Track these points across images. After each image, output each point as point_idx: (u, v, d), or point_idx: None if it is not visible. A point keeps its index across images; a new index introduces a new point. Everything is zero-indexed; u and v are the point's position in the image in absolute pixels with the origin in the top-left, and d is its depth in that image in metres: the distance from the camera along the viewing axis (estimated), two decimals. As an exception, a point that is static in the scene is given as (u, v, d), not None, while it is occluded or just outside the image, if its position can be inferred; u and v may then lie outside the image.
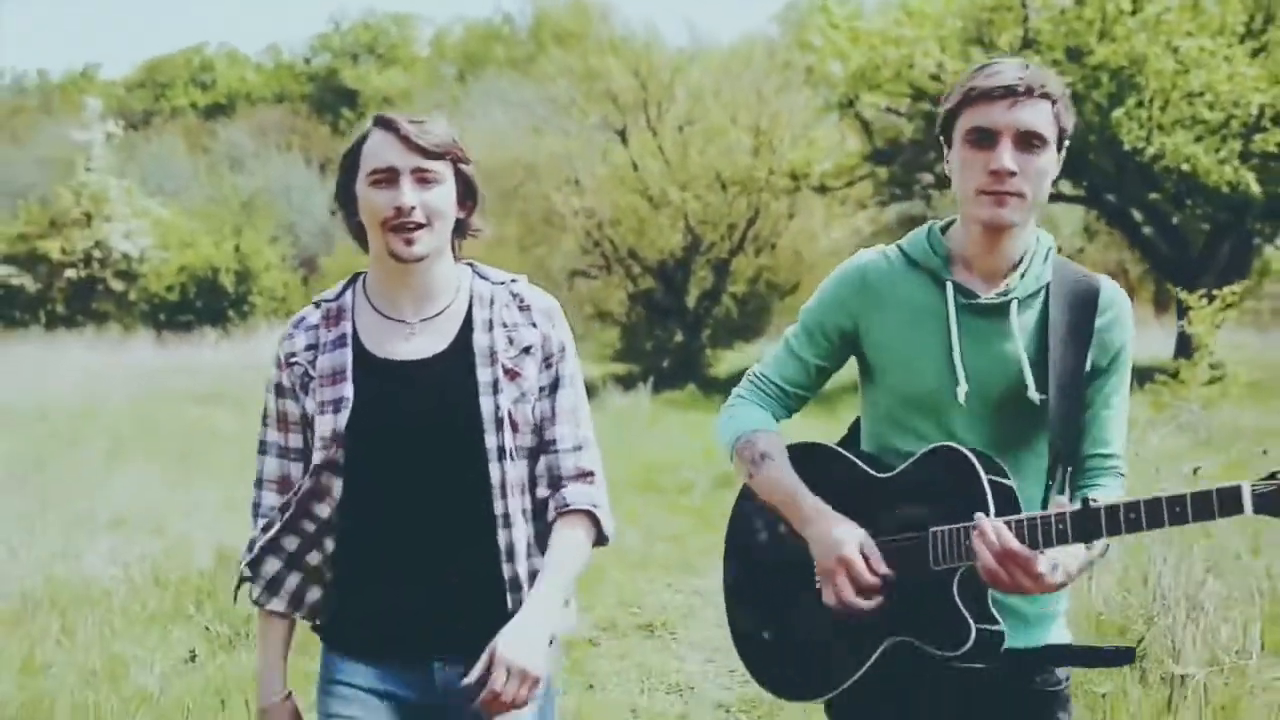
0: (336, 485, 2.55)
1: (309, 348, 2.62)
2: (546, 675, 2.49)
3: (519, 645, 2.40)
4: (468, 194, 2.59)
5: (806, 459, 2.65)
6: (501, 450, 2.53)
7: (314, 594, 2.62)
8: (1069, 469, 2.50)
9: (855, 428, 2.80)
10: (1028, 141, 2.39)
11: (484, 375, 2.55)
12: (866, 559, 2.47)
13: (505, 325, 2.60)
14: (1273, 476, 2.13)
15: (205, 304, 33.50)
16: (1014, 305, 2.50)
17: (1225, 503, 2.12)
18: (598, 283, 21.97)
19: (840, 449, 2.69)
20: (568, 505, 2.57)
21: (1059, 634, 2.61)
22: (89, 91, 61.02)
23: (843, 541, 2.48)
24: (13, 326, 31.26)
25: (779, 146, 20.63)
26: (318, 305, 2.66)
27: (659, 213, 20.43)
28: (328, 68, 63.96)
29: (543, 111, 22.59)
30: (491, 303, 2.61)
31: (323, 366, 2.58)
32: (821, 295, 2.71)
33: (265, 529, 2.60)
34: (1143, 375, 13.04)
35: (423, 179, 2.49)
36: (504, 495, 2.53)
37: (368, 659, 2.58)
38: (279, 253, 35.98)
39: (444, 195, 2.52)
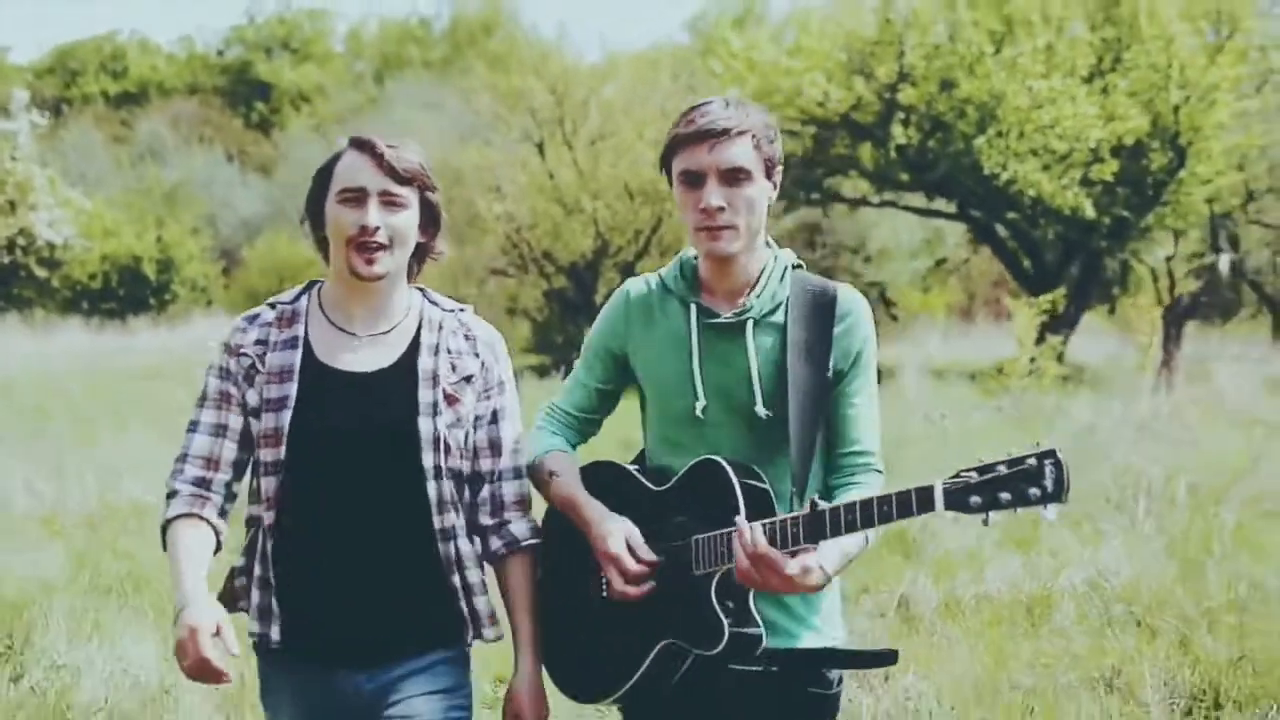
0: (271, 485, 2.65)
1: (259, 342, 2.70)
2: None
3: (533, 700, 2.74)
4: (430, 220, 2.71)
5: (597, 475, 2.82)
6: (438, 469, 2.64)
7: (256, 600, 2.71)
8: (807, 472, 2.65)
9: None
10: (733, 177, 2.61)
11: (425, 396, 2.66)
12: (633, 550, 2.65)
13: (450, 351, 2.71)
14: (957, 476, 2.32)
15: (128, 292, 34.52)
16: (749, 324, 2.70)
17: (921, 501, 2.33)
18: (515, 281, 23.81)
19: (627, 466, 2.86)
20: (518, 542, 2.76)
21: (830, 633, 2.76)
22: (-1, 76, 61.02)
23: (610, 534, 2.66)
24: None
25: None
26: (272, 306, 2.76)
27: (572, 218, 22.29)
28: (241, 60, 63.36)
29: (467, 123, 24.61)
30: (440, 328, 2.72)
31: (271, 363, 2.68)
32: (597, 323, 2.92)
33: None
34: (983, 370, 15.53)
35: (390, 202, 2.61)
36: (441, 512, 2.65)
37: (303, 664, 2.68)
38: (200, 244, 37.09)
39: (408, 220, 2.64)
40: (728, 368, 2.71)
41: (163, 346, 24.62)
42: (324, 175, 2.67)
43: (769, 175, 2.68)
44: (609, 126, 22.47)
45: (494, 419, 2.76)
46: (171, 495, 2.65)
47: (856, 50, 20.79)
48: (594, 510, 2.73)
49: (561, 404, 2.94)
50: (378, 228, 2.58)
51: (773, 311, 2.72)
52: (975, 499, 2.28)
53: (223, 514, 2.69)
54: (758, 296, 2.71)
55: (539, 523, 2.82)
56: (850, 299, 2.74)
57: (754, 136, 2.63)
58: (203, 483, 2.66)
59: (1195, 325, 30.41)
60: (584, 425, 2.95)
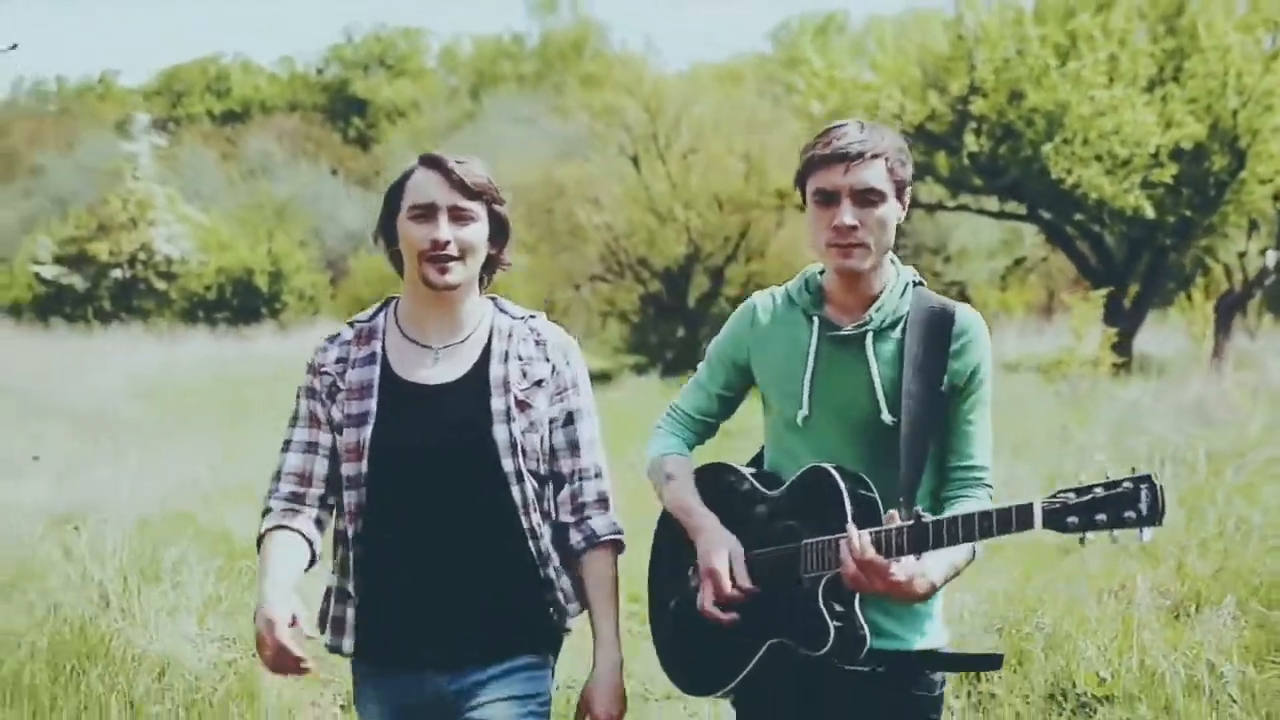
0: (353, 498, 2.73)
1: (339, 360, 2.80)
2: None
3: (605, 695, 2.76)
4: (499, 232, 2.80)
5: (713, 477, 2.95)
6: (519, 473, 2.71)
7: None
8: (916, 483, 2.72)
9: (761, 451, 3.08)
10: (866, 198, 2.70)
11: (497, 404, 2.73)
12: (732, 572, 2.75)
13: (520, 358, 2.78)
14: (1054, 496, 2.41)
15: (241, 303, 36.55)
16: (869, 336, 2.78)
17: (1021, 519, 2.42)
18: (612, 286, 25.64)
19: (742, 469, 2.96)
20: (598, 536, 2.81)
21: (935, 638, 2.84)
22: (107, 98, 63.77)
23: (713, 553, 2.78)
24: (71, 322, 34.07)
25: (767, 170, 24.18)
26: (352, 325, 2.85)
27: (665, 227, 24.03)
28: (339, 78, 65.62)
29: (560, 137, 26.39)
30: (510, 336, 2.79)
31: (351, 380, 2.76)
32: (722, 332, 3.02)
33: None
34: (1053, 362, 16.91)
35: (459, 216, 2.70)
36: (528, 511, 2.73)
37: (394, 670, 2.76)
38: (308, 256, 39.19)
39: (478, 232, 2.73)
40: (847, 378, 2.80)
41: (279, 354, 26.14)
42: (395, 193, 2.78)
43: (899, 196, 2.79)
44: (699, 141, 24.21)
45: (569, 420, 2.83)
46: (266, 513, 2.77)
47: (930, 65, 22.16)
48: (705, 520, 2.86)
49: (682, 405, 3.08)
50: (449, 241, 2.68)
51: (892, 326, 2.82)
52: (1073, 519, 2.38)
53: (319, 524, 2.79)
54: (878, 310, 2.82)
55: (617, 522, 2.89)
56: (968, 318, 2.84)
57: (887, 159, 2.74)
58: (296, 497, 2.76)
59: (1271, 319, 31.43)
60: (702, 428, 3.08)
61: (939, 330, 2.79)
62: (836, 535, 2.64)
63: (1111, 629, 5.57)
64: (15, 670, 4.94)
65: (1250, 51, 21.03)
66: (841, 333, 2.81)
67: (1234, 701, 4.91)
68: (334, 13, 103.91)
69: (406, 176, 2.76)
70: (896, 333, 2.81)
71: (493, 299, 2.90)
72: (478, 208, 2.73)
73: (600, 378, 22.42)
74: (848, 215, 2.71)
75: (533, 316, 2.88)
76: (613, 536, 2.83)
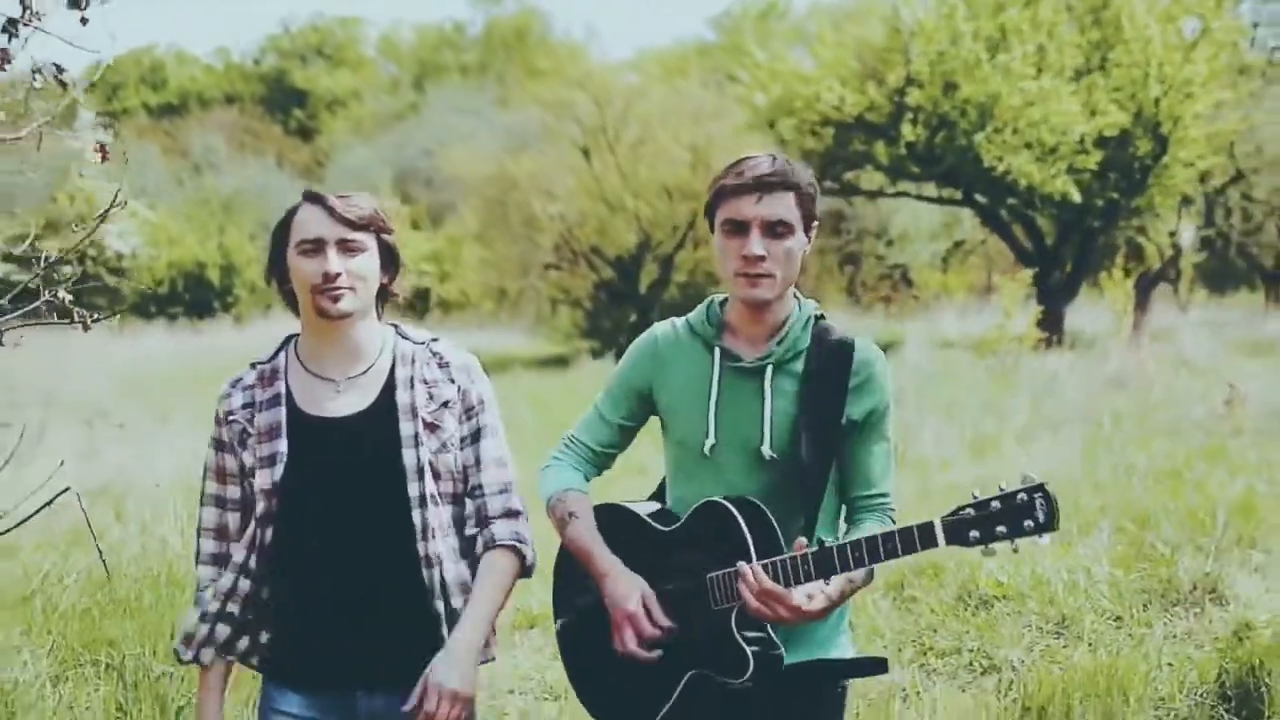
0: (266, 534, 2.83)
1: (245, 406, 2.87)
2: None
3: (450, 670, 2.71)
4: (389, 261, 2.88)
5: (608, 518, 3.03)
6: (423, 498, 2.79)
7: (241, 642, 2.88)
8: (817, 511, 2.85)
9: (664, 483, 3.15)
10: (774, 229, 2.79)
11: (406, 429, 2.80)
12: (649, 612, 2.83)
13: (425, 382, 2.86)
14: (954, 513, 2.53)
15: (194, 297, 37.30)
16: (769, 369, 2.89)
17: (924, 537, 2.55)
18: (567, 273, 26.91)
19: (634, 509, 3.07)
20: (495, 540, 2.84)
21: (842, 648, 3.01)
22: (42, 92, 63.63)
23: (627, 596, 2.84)
24: (24, 318, 34.66)
25: (713, 161, 25.23)
26: (253, 367, 2.91)
27: (616, 216, 25.35)
28: (277, 69, 65.44)
29: (503, 128, 27.65)
30: (413, 361, 2.87)
31: (259, 423, 2.84)
32: (623, 362, 3.10)
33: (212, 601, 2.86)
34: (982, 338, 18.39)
35: (347, 248, 2.75)
36: (426, 538, 2.80)
37: (301, 688, 2.84)
38: (258, 249, 39.81)
39: (367, 262, 2.79)
40: (746, 410, 2.89)
41: (239, 346, 26.59)
42: (282, 230, 2.83)
43: (807, 230, 2.85)
44: (647, 133, 25.55)
45: (476, 438, 2.89)
46: (199, 585, 2.90)
47: (868, 58, 23.65)
48: (609, 564, 2.91)
49: (581, 437, 3.13)
50: (339, 273, 2.73)
51: (793, 359, 2.91)
52: (974, 533, 2.49)
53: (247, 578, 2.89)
54: (779, 343, 2.90)
55: (522, 533, 2.90)
56: (867, 354, 2.93)
57: (798, 192, 2.80)
58: (219, 560, 2.89)
59: (1204, 294, 33.24)
60: (602, 459, 3.15)
61: (838, 365, 2.90)
62: (736, 568, 2.74)
63: (1027, 571, 6.94)
64: (126, 593, 6.22)
65: (1172, 41, 22.61)
66: (743, 364, 2.91)
67: (1103, 596, 6.33)
68: (269, 2, 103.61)
69: (291, 214, 2.82)
70: (798, 365, 2.91)
71: (394, 326, 2.96)
72: (366, 238, 2.79)
73: (557, 362, 23.75)
74: (757, 245, 2.79)
75: (434, 340, 2.95)
76: (511, 542, 2.86)
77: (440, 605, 2.80)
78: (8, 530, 4.05)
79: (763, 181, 2.79)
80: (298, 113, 62.11)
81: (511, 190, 23.85)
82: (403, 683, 2.76)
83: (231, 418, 2.86)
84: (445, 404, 2.85)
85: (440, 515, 2.83)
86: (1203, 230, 30.53)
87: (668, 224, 25.98)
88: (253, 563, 2.83)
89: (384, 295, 2.91)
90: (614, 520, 3.03)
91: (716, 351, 2.93)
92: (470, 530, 2.87)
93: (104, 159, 4.82)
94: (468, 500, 2.88)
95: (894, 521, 2.90)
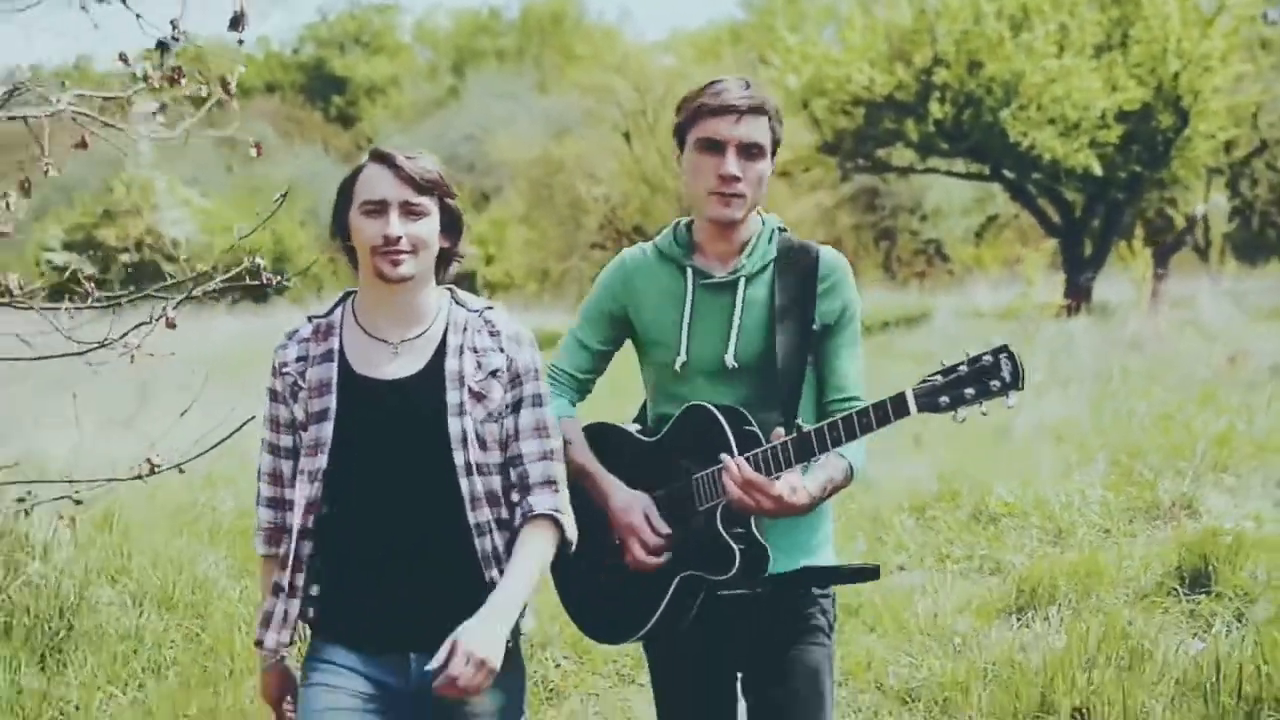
0: (308, 492, 2.83)
1: (299, 359, 2.88)
2: (517, 672, 2.89)
3: (479, 637, 2.67)
4: (451, 225, 2.89)
5: (598, 437, 3.16)
6: (469, 466, 2.79)
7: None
8: (794, 414, 2.94)
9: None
10: (749, 151, 2.90)
11: (452, 397, 2.81)
12: (650, 522, 2.97)
13: (475, 350, 2.86)
14: (923, 381, 2.65)
15: (248, 282, 38.87)
16: (741, 282, 3.01)
17: (896, 408, 2.67)
18: (611, 253, 28.03)
19: (620, 425, 3.22)
20: (533, 510, 2.83)
21: (820, 559, 3.10)
22: (83, 84, 65.03)
23: (629, 509, 2.99)
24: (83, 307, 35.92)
25: None
26: (310, 320, 2.91)
27: (657, 196, 26.60)
28: (315, 57, 66.03)
29: (555, 117, 28.92)
30: (465, 329, 2.87)
31: (310, 379, 2.85)
32: (596, 288, 3.21)
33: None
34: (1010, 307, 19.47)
35: (410, 211, 2.77)
36: (475, 507, 2.80)
37: (350, 646, 2.84)
38: (308, 235, 41.37)
39: (428, 227, 2.80)
40: (718, 324, 3.00)
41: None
42: (347, 188, 2.82)
43: (773, 155, 2.97)
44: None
45: (519, 406, 2.88)
46: (257, 528, 2.97)
47: (895, 39, 24.62)
48: (609, 483, 3.04)
49: (562, 365, 3.22)
50: (400, 236, 2.73)
51: (762, 270, 3.01)
52: (944, 399, 2.60)
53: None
54: (749, 256, 3.01)
55: (561, 505, 2.88)
56: (832, 259, 3.04)
57: (770, 117, 2.92)
58: (276, 503, 2.94)
59: (1234, 265, 34.05)
60: (584, 385, 3.25)
61: (805, 271, 3.00)
62: (720, 465, 2.84)
63: (1019, 479, 8.12)
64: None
65: (1190, 17, 23.54)
66: (715, 280, 3.01)
67: (1094, 513, 7.51)
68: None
69: (357, 172, 2.82)
70: (766, 276, 3.01)
71: (450, 291, 2.96)
72: (429, 202, 2.80)
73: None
74: (733, 165, 2.88)
75: (489, 308, 2.95)
76: (549, 512, 2.84)
77: (492, 574, 2.81)
78: (200, 455, 5.15)
79: (742, 104, 2.87)
80: (337, 100, 62.90)
81: (557, 173, 25.12)
82: None
83: (285, 369, 2.88)
84: (493, 373, 2.85)
85: (489, 483, 2.84)
86: (1231, 201, 31.46)
87: (706, 203, 27.00)
88: (309, 522, 2.85)
89: (445, 259, 2.92)
90: (602, 438, 3.16)
91: (689, 271, 3.03)
92: (513, 498, 2.87)
93: (259, 154, 5.93)
94: (513, 469, 2.88)
95: None
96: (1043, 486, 7.90)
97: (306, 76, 65.85)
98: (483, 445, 2.83)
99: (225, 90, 5.62)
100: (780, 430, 2.81)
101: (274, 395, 2.91)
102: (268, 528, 2.95)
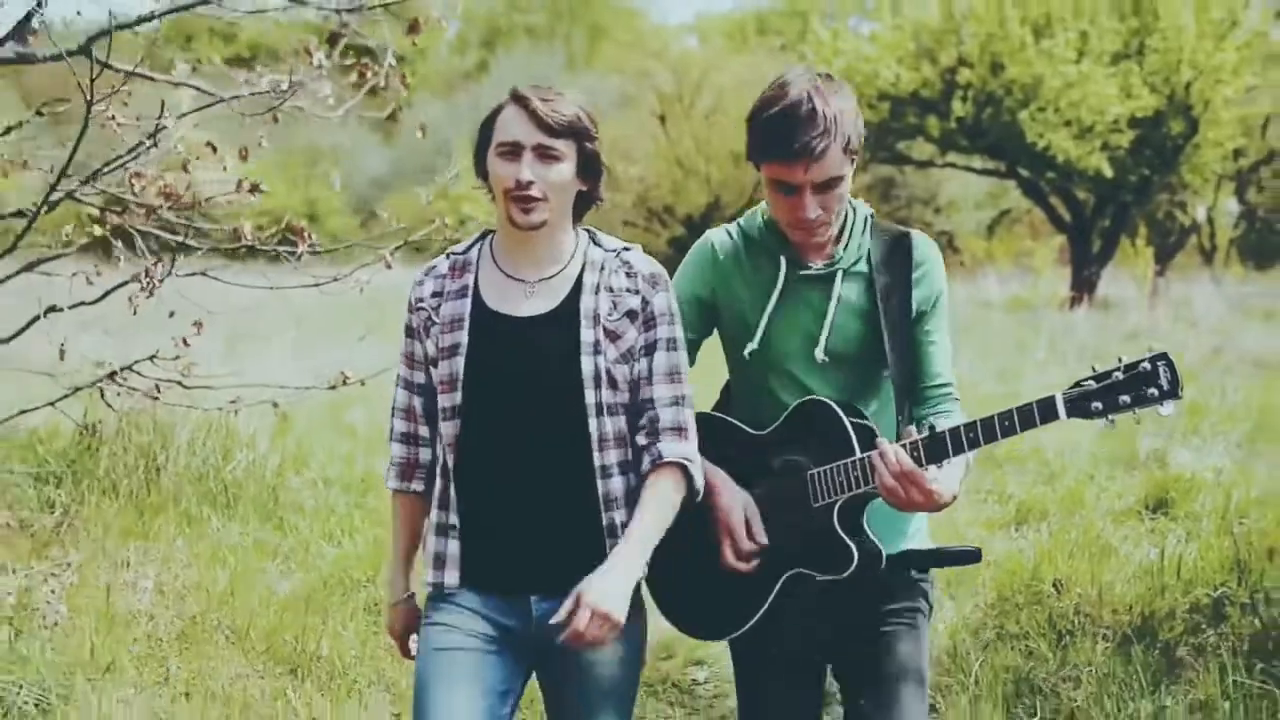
0: (451, 429, 2.84)
1: (435, 294, 2.91)
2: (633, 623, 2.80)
3: (603, 590, 2.67)
4: (589, 168, 2.84)
5: (704, 427, 2.97)
6: (599, 406, 2.78)
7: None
8: (907, 405, 2.91)
9: (726, 389, 3.24)
10: (825, 187, 2.80)
11: (587, 336, 2.80)
12: (750, 527, 2.91)
13: (611, 290, 2.84)
14: (1075, 386, 2.56)
15: (283, 242, 40.51)
16: (839, 275, 2.95)
17: (1044, 412, 2.57)
18: (643, 230, 29.73)
19: (726, 417, 3.10)
20: (661, 458, 2.80)
21: (922, 543, 3.10)
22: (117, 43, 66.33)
23: (729, 509, 2.92)
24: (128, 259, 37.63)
25: None
26: (448, 257, 2.95)
27: (689, 179, 28.24)
28: (344, 24, 68.87)
29: (590, 98, 30.43)
30: (602, 268, 2.86)
31: (444, 314, 2.87)
32: (681, 273, 3.09)
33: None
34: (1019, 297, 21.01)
35: (544, 155, 2.74)
36: (602, 449, 2.80)
37: (473, 587, 2.86)
38: (340, 199, 43.00)
39: (563, 171, 2.76)
40: (811, 315, 2.97)
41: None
42: (486, 129, 2.83)
43: (853, 161, 2.86)
44: (719, 103, 28.29)
45: (653, 349, 2.85)
46: (390, 462, 3.04)
47: (924, 38, 26.14)
48: (715, 477, 2.97)
49: None
50: (531, 181, 2.72)
51: (857, 261, 2.98)
52: (1096, 404, 2.55)
53: (429, 466, 3.02)
54: (844, 249, 2.97)
55: (690, 452, 2.84)
56: (925, 246, 3.02)
57: (844, 141, 2.79)
58: (408, 439, 3.00)
59: (1239, 269, 35.50)
60: None
61: (901, 260, 2.95)
62: (850, 459, 2.80)
63: (1028, 444, 9.63)
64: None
65: (1205, 30, 24.96)
66: (811, 271, 2.94)
67: (1083, 461, 9.09)
68: None
69: (497, 112, 2.81)
70: (862, 267, 2.96)
71: (588, 231, 2.95)
72: (565, 146, 2.76)
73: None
74: (811, 209, 2.82)
75: (627, 249, 2.92)
76: (678, 460, 2.81)
77: (614, 516, 2.81)
78: (376, 375, 6.61)
79: (813, 148, 2.75)
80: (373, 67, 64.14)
81: (594, 151, 26.62)
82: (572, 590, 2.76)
83: (420, 304, 2.91)
84: (629, 313, 2.83)
85: (617, 425, 2.83)
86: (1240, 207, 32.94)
87: (735, 186, 28.76)
88: (456, 461, 2.86)
89: (583, 201, 2.90)
90: (708, 429, 3.03)
91: (783, 260, 2.97)
92: (641, 440, 2.85)
93: (423, 135, 7.41)
94: (643, 412, 2.85)
95: (960, 410, 3.01)
96: (1039, 437, 9.46)
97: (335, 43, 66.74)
98: (614, 385, 2.81)
99: (404, 84, 7.07)
100: (913, 429, 2.78)
101: (409, 330, 2.95)
102: (401, 462, 3.02)
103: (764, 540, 2.92)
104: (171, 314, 6.07)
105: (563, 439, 2.79)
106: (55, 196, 5.73)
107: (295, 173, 42.90)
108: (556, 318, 2.82)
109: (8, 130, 6.22)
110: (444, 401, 2.85)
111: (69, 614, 5.15)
